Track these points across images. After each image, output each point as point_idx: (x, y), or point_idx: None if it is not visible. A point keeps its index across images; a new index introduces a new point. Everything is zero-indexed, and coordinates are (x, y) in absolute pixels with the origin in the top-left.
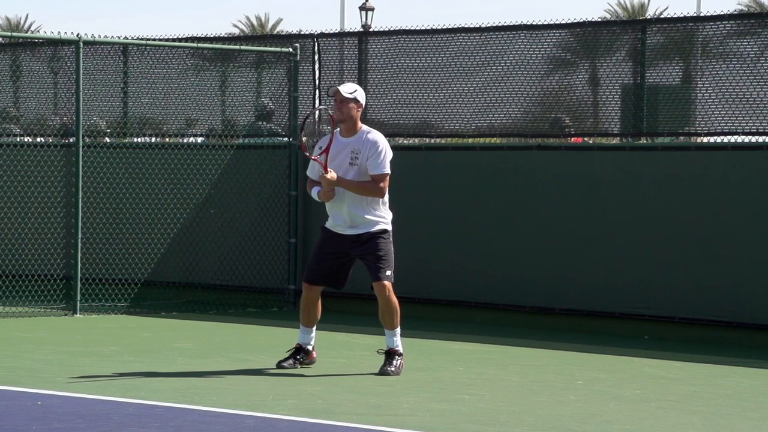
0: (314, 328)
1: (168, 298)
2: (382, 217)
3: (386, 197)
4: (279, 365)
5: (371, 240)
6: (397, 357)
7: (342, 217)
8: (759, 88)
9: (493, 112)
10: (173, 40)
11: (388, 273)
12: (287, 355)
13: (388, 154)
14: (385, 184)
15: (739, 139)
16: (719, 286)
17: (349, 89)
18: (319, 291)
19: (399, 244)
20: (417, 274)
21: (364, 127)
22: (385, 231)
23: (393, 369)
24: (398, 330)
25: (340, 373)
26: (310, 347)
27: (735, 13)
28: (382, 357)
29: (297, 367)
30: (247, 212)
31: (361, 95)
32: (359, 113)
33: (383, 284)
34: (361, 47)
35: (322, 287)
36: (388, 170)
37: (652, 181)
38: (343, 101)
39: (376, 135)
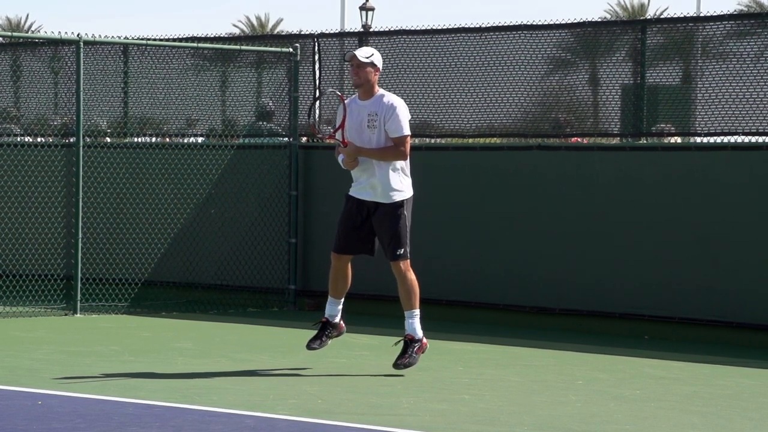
0: (342, 300)
1: (168, 298)
2: (401, 187)
3: (407, 163)
4: (309, 347)
5: (386, 215)
6: (414, 345)
7: (363, 181)
8: (759, 88)
9: (493, 112)
10: (173, 40)
11: (401, 251)
12: (315, 332)
13: (405, 115)
14: (407, 147)
15: (739, 139)
16: (719, 286)
17: (366, 53)
18: (347, 260)
19: None
20: (417, 274)
21: (381, 90)
22: (402, 203)
23: (402, 362)
24: (416, 312)
25: (340, 373)
26: (337, 320)
27: (735, 13)
28: (393, 350)
29: (327, 344)
30: (248, 212)
31: (377, 59)
32: (376, 77)
33: (397, 264)
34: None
35: (351, 257)
36: (407, 132)
37: (652, 181)
38: (360, 66)
39: (392, 97)
